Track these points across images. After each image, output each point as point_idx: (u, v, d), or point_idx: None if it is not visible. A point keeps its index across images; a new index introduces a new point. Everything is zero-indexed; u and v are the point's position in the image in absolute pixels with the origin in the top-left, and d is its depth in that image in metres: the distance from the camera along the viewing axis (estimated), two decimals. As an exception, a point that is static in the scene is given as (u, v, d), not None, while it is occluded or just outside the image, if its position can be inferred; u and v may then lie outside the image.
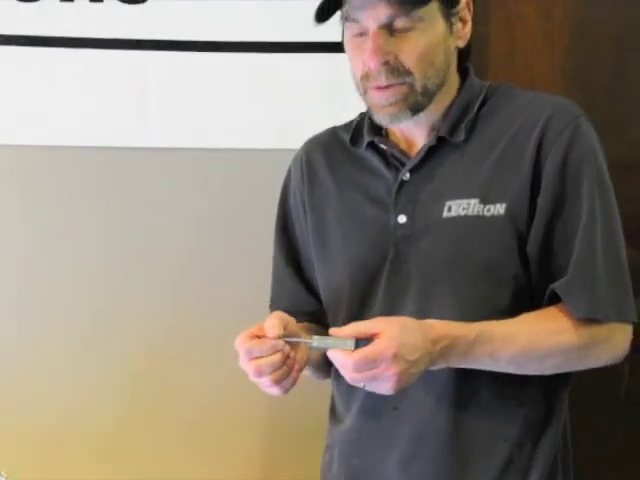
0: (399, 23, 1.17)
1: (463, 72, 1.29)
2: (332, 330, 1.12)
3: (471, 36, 1.26)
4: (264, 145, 1.79)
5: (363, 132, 1.31)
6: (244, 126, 1.80)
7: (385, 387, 1.10)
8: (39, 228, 1.84)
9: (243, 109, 1.79)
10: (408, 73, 1.18)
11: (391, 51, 1.17)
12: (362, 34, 1.19)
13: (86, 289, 1.84)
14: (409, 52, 1.18)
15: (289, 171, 1.42)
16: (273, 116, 1.79)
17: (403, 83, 1.19)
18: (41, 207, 1.84)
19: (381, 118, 1.23)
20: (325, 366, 1.32)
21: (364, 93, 1.23)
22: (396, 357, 1.07)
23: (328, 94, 1.75)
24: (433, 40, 1.19)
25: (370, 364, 1.07)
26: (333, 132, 1.39)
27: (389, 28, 1.17)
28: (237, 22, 1.77)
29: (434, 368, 1.14)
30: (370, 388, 1.11)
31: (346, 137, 1.34)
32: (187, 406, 1.86)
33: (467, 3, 1.24)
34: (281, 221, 1.42)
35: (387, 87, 1.19)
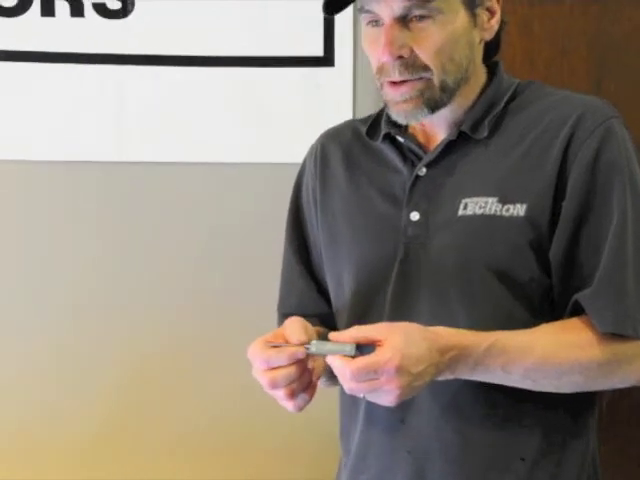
0: (415, 15, 1.09)
1: (492, 67, 1.22)
2: (332, 334, 1.04)
3: (501, 35, 1.20)
4: (244, 159, 1.79)
5: (381, 124, 1.23)
6: (223, 140, 1.80)
7: (386, 399, 1.02)
8: (19, 241, 1.84)
9: (222, 123, 1.79)
10: (425, 68, 1.11)
11: (406, 44, 1.10)
12: (377, 22, 1.12)
13: (71, 297, 1.85)
14: (426, 46, 1.10)
15: (303, 163, 1.35)
16: (253, 130, 1.79)
17: (419, 79, 1.12)
18: (19, 221, 1.84)
19: (396, 115, 1.16)
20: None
21: (380, 88, 1.16)
22: (399, 370, 0.99)
23: (308, 108, 1.75)
24: (453, 33, 1.11)
25: (370, 374, 0.99)
26: (351, 124, 1.32)
27: (404, 20, 1.10)
28: (217, 37, 1.77)
29: (440, 379, 1.06)
30: (370, 399, 1.04)
31: (363, 129, 1.27)
32: (180, 410, 1.86)
33: None
34: (293, 216, 1.34)
35: (402, 83, 1.12)
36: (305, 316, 1.15)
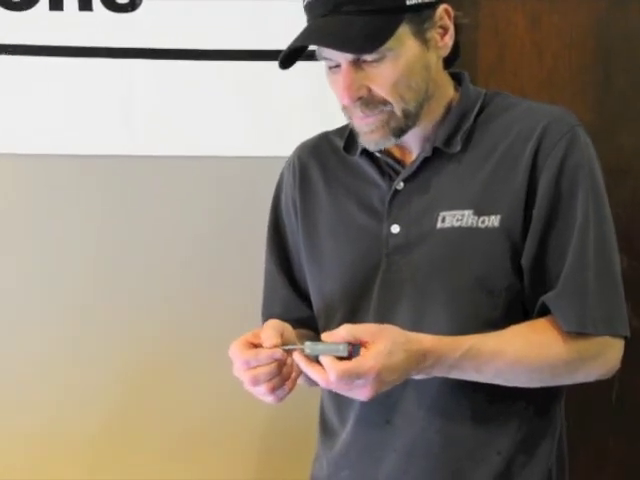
0: (367, 58, 1.15)
1: (457, 77, 1.28)
2: (324, 335, 1.10)
3: (459, 40, 1.24)
4: (251, 153, 1.79)
5: (357, 139, 1.28)
6: (231, 134, 1.80)
7: (356, 397, 1.09)
8: (27, 235, 1.84)
9: (230, 117, 1.79)
10: (384, 103, 1.17)
11: (363, 85, 1.17)
12: (337, 66, 1.18)
13: (75, 295, 1.84)
14: (381, 83, 1.16)
15: (281, 176, 1.41)
16: (260, 124, 1.79)
17: (381, 112, 1.18)
18: (28, 215, 1.83)
19: (366, 144, 1.23)
20: None
21: (349, 119, 1.23)
22: (376, 378, 1.06)
23: (315, 102, 1.75)
24: (407, 65, 1.16)
25: (352, 378, 1.05)
26: (325, 137, 1.38)
27: (359, 62, 1.16)
28: (224, 30, 1.77)
29: (417, 377, 1.14)
30: (343, 393, 1.10)
31: (339, 143, 1.33)
32: (177, 410, 1.85)
33: (445, 10, 1.20)
34: (273, 227, 1.41)
35: (366, 117, 1.19)
36: (289, 322, 1.22)
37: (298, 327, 1.32)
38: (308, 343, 1.09)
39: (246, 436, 1.86)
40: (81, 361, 1.84)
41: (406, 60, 1.16)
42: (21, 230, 1.84)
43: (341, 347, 1.06)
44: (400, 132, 1.20)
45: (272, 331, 1.12)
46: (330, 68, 1.20)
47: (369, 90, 1.17)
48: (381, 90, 1.17)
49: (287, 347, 1.12)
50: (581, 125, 1.21)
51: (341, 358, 1.06)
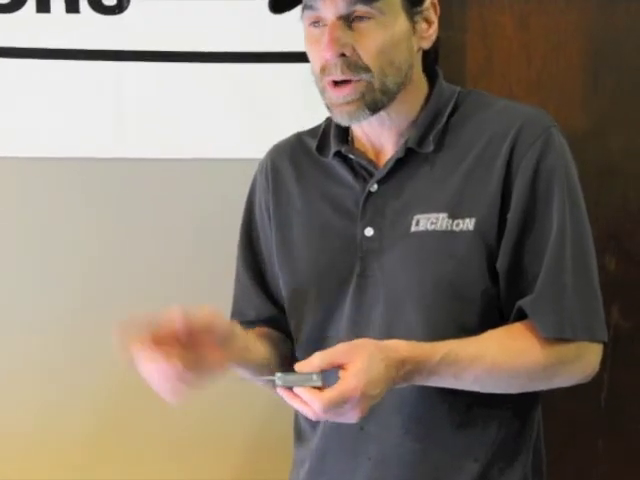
0: (358, 13, 1.12)
1: (432, 76, 1.25)
2: (297, 365, 1.06)
3: (441, 40, 1.23)
4: (241, 155, 1.77)
5: (330, 140, 1.27)
6: (221, 136, 1.79)
7: (347, 420, 1.06)
8: (16, 239, 1.83)
9: (220, 119, 1.79)
10: (365, 69, 1.14)
11: (348, 43, 1.13)
12: (319, 23, 1.15)
13: (71, 297, 1.84)
14: (367, 45, 1.13)
15: (254, 179, 1.39)
16: (250, 126, 1.78)
17: (359, 80, 1.14)
18: (17, 219, 1.83)
19: (339, 117, 1.18)
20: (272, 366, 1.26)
21: (323, 90, 1.19)
22: (362, 396, 1.03)
23: (303, 104, 1.73)
24: (393, 37, 1.14)
25: (339, 405, 1.02)
26: (298, 138, 1.35)
27: (347, 19, 1.13)
28: (214, 33, 1.76)
29: (397, 387, 1.11)
30: (332, 420, 1.08)
31: (312, 144, 1.30)
32: (173, 411, 1.80)
33: (433, 4, 1.19)
34: (246, 232, 1.38)
35: (343, 84, 1.15)
36: (260, 322, 1.26)
37: (264, 326, 1.32)
38: (279, 374, 1.03)
39: (242, 436, 1.86)
40: (77, 361, 1.84)
41: (394, 32, 1.15)
42: (9, 233, 1.83)
43: (314, 376, 1.01)
44: (375, 107, 1.16)
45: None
46: (312, 25, 1.16)
47: (354, 50, 1.13)
48: (366, 53, 1.13)
49: (257, 378, 1.09)
50: (556, 126, 1.19)
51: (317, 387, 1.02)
